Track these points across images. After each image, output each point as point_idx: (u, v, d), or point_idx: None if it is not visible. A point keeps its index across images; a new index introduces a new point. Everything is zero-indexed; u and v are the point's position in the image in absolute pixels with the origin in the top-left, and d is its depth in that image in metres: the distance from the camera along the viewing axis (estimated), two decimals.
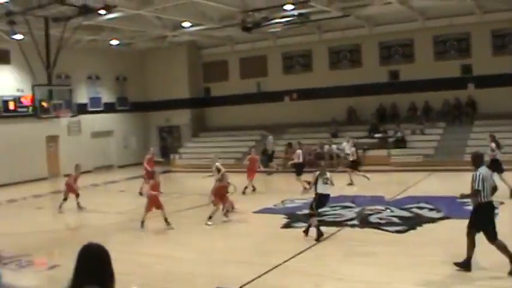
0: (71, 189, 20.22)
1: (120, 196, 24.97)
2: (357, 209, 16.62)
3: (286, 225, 15.10)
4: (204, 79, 38.43)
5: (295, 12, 26.80)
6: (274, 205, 18.00)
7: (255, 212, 17.07)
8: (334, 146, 28.74)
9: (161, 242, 14.61)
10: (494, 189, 10.27)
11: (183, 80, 37.55)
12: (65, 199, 20.21)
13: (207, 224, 15.67)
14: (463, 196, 10.36)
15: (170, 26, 30.73)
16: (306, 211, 16.39)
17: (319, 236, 13.02)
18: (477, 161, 10.21)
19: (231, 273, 11.00)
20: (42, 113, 25.13)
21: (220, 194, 16.18)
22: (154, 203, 15.71)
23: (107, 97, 36.87)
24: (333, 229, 14.17)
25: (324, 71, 33.64)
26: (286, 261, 11.37)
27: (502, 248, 9.69)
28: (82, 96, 34.60)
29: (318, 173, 13.73)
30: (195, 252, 13.09)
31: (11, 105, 30.28)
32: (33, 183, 29.70)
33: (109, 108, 36.83)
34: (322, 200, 13.55)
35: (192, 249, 13.40)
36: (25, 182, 29.77)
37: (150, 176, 23.06)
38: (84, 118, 33.11)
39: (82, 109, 32.84)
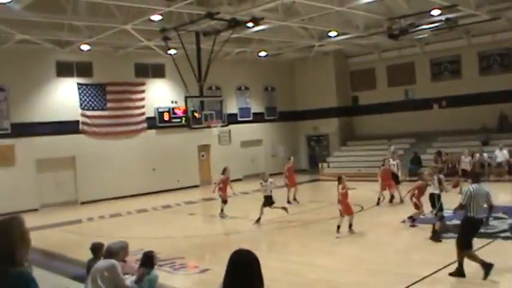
0: (224, 193, 20.82)
1: None
2: (509, 221, 15.81)
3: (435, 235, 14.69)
4: (352, 87, 38.34)
5: (443, 17, 26.06)
6: (423, 215, 17.53)
7: (403, 222, 16.72)
8: (485, 155, 27.67)
9: (309, 250, 14.64)
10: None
11: (331, 89, 37.66)
12: (224, 202, 20.80)
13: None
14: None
15: (317, 36, 30.97)
16: (456, 221, 15.95)
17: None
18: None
19: (379, 283, 10.89)
20: (194, 123, 26.11)
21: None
22: (345, 208, 15.78)
23: (255, 107, 37.81)
24: (484, 241, 13.60)
25: (473, 76, 32.37)
26: (434, 272, 11.05)
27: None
28: (232, 106, 35.73)
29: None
30: (342, 261, 13.05)
31: (166, 116, 32.01)
32: (186, 190, 31.09)
33: (258, 118, 37.73)
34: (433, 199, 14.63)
35: (340, 258, 13.37)
36: (179, 189, 31.26)
37: (291, 183, 23.26)
38: (234, 128, 34.11)
39: (232, 119, 33.82)
